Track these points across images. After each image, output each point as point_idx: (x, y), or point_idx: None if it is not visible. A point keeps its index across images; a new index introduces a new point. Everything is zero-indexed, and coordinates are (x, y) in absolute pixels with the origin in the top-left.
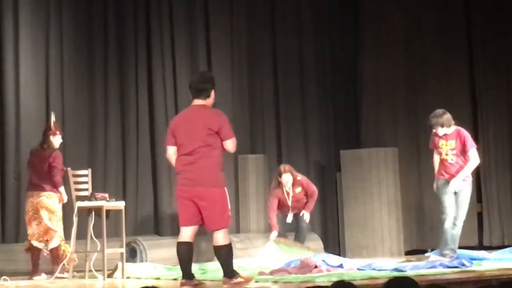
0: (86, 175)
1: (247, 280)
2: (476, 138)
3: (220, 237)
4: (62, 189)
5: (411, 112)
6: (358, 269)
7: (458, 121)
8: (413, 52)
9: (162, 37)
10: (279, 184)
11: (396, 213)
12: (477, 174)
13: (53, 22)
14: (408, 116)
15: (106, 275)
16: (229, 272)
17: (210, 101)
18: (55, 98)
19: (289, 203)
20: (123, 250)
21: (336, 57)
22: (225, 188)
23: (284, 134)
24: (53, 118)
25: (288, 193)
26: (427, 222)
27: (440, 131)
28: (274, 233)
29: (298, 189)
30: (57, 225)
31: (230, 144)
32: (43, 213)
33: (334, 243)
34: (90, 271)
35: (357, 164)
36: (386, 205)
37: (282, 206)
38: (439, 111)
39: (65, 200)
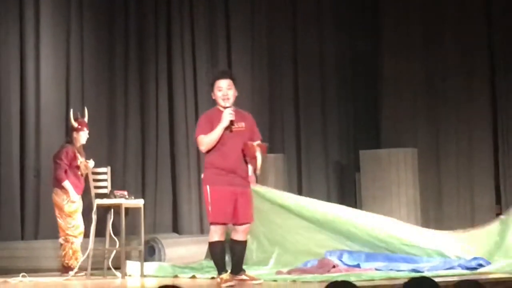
0: (105, 173)
1: (252, 279)
2: (495, 136)
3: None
4: (66, 183)
5: (431, 112)
6: (376, 269)
7: (479, 120)
8: (433, 51)
9: (183, 34)
10: None
11: (415, 213)
12: (495, 176)
13: (74, 19)
14: (428, 117)
15: (124, 273)
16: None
17: (215, 101)
18: (75, 95)
19: None
20: (142, 248)
21: (356, 56)
22: (208, 186)
23: (303, 134)
24: (71, 115)
25: None
26: (446, 223)
27: None
28: None
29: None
30: (66, 222)
31: (197, 144)
32: (56, 210)
33: None
34: (109, 269)
35: (376, 164)
36: (405, 206)
37: None
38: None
39: (72, 197)
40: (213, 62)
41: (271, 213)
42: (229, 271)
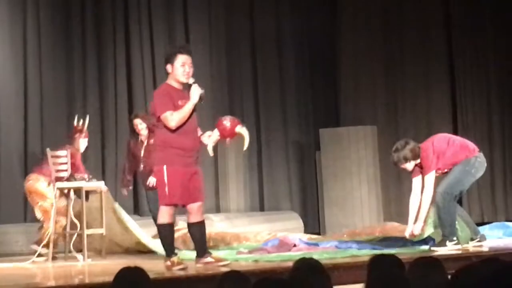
0: (65, 156)
1: (173, 265)
2: (454, 112)
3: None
4: None
5: (390, 90)
6: (337, 247)
7: (438, 97)
8: (391, 29)
9: (140, 14)
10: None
11: (376, 191)
12: None
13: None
14: (387, 94)
15: (86, 256)
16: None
17: (170, 76)
18: (32, 76)
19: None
20: (103, 230)
21: (314, 35)
22: (164, 166)
23: (262, 114)
24: (76, 120)
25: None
26: (406, 200)
27: (408, 165)
28: None
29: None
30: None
31: (165, 121)
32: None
33: (314, 222)
34: (70, 252)
35: (336, 143)
36: (365, 183)
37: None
38: (399, 144)
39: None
40: (170, 41)
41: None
42: (178, 254)
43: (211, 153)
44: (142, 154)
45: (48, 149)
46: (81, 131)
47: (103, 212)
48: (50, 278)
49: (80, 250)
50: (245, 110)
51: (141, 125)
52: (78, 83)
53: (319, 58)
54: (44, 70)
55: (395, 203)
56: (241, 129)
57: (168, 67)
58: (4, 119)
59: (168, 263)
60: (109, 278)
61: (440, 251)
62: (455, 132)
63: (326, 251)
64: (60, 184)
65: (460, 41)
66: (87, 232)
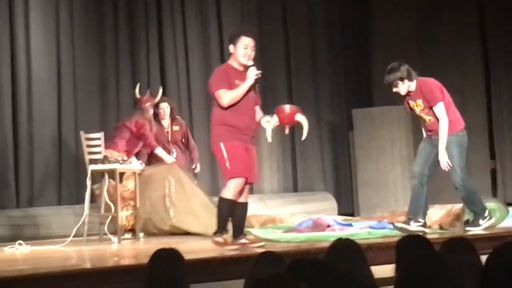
0: (99, 138)
1: (225, 243)
2: (488, 95)
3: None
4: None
5: (423, 69)
6: (371, 227)
7: (471, 77)
8: (424, 10)
9: None
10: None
11: (409, 171)
12: (489, 130)
13: None
14: (420, 73)
15: (120, 238)
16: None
17: (231, 57)
18: (66, 61)
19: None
20: (137, 212)
21: (347, 15)
22: (221, 142)
23: (295, 95)
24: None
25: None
26: (439, 181)
27: (402, 87)
28: None
29: (176, 128)
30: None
31: (217, 99)
32: None
33: (347, 203)
34: (105, 234)
35: (369, 123)
36: (399, 164)
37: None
38: (394, 64)
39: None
40: (203, 24)
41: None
42: (230, 233)
43: (269, 139)
44: (169, 140)
45: (81, 132)
46: (149, 99)
47: (137, 193)
48: (86, 260)
49: (130, 230)
50: (277, 91)
51: (166, 109)
52: (111, 67)
53: (351, 39)
54: (77, 54)
55: (429, 183)
56: (301, 117)
57: (231, 47)
58: (38, 104)
59: (219, 239)
60: (143, 260)
61: (474, 230)
62: (489, 111)
63: (360, 232)
64: (94, 167)
65: (493, 24)
66: (121, 214)
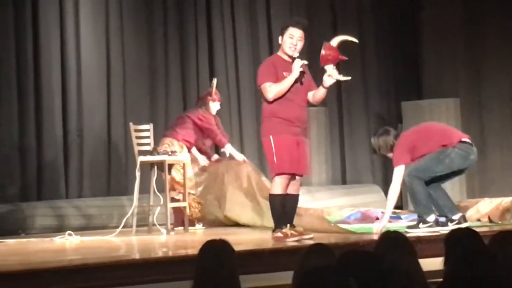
0: (148, 130)
1: (285, 236)
2: None
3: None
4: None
5: (472, 62)
6: None
7: None
8: (473, 1)
9: None
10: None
11: None
12: None
13: None
14: (469, 66)
15: (169, 229)
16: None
17: (280, 47)
18: (115, 52)
19: None
20: (186, 204)
21: (395, 6)
22: (271, 136)
23: (344, 87)
24: (214, 84)
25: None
26: (490, 174)
27: (388, 154)
28: None
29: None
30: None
31: (263, 92)
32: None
33: None
34: (154, 225)
35: (418, 116)
36: None
37: None
38: (379, 130)
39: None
40: (251, 16)
41: None
42: (288, 225)
43: (341, 77)
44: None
45: (131, 123)
46: (210, 94)
47: (186, 183)
48: (134, 251)
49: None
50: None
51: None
52: (160, 58)
53: (399, 32)
54: (126, 46)
55: (478, 177)
56: (341, 37)
57: (279, 38)
58: (87, 96)
59: (279, 234)
60: (192, 251)
61: (411, 232)
62: None
63: (408, 224)
64: (142, 158)
65: None
66: (169, 205)
